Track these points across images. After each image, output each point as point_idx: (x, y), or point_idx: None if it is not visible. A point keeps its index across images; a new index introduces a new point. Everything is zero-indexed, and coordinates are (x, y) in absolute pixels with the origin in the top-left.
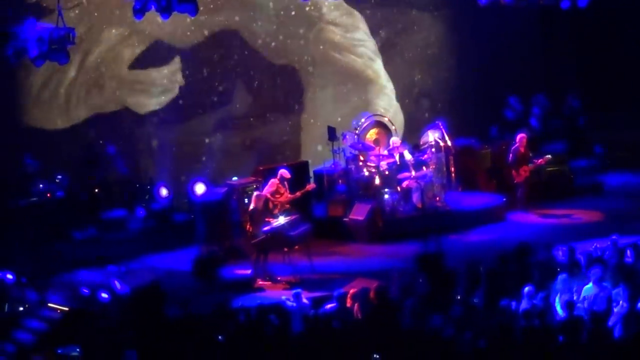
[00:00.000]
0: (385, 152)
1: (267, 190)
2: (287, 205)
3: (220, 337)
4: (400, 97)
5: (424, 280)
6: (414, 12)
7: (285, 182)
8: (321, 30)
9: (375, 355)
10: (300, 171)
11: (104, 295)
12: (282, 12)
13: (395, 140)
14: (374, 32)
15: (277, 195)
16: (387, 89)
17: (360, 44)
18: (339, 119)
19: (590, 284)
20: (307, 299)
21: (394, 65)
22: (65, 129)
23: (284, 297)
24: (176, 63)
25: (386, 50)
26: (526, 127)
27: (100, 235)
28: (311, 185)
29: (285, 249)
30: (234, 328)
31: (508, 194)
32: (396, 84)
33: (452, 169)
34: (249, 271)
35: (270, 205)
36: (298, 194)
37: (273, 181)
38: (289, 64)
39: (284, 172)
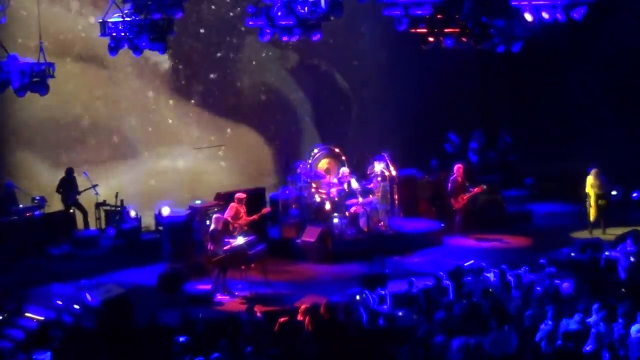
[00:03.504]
0: (335, 181)
1: (227, 214)
2: (246, 227)
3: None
4: None
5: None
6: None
7: (243, 203)
8: None
9: None
10: (257, 196)
11: (76, 306)
12: None
13: (344, 170)
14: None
15: (237, 219)
16: None
17: None
18: None
19: (520, 303)
20: (261, 312)
21: None
22: None
23: (240, 311)
24: None
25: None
26: (463, 160)
27: (74, 251)
28: (266, 209)
29: (243, 267)
30: (194, 337)
31: (446, 220)
32: None
33: (396, 196)
34: (209, 286)
35: (230, 227)
36: (255, 217)
37: (232, 205)
38: None
39: (239, 195)
